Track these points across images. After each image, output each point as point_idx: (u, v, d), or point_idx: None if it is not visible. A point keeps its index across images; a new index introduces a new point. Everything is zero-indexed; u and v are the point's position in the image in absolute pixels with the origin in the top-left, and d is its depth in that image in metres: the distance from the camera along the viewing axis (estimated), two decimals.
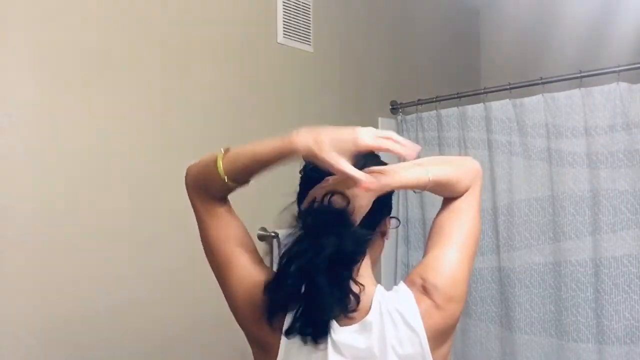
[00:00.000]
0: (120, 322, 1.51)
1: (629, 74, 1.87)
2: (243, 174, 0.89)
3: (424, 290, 0.86)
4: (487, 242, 2.20)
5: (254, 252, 0.95)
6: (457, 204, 0.95)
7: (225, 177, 0.88)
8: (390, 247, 2.49)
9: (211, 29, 1.80)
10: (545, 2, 2.88)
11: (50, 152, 1.40)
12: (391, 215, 0.98)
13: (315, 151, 0.79)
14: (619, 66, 1.86)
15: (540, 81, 2.04)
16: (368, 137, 0.80)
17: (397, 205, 2.52)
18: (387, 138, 0.81)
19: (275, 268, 1.92)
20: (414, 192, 0.92)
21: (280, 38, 2.01)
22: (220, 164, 0.89)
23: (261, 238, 1.90)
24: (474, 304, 2.23)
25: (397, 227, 1.03)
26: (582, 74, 1.95)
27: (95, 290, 1.46)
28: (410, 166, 0.90)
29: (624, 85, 1.86)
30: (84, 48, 1.47)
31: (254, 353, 0.92)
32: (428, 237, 0.96)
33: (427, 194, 2.35)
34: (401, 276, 2.50)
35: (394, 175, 0.86)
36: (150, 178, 1.58)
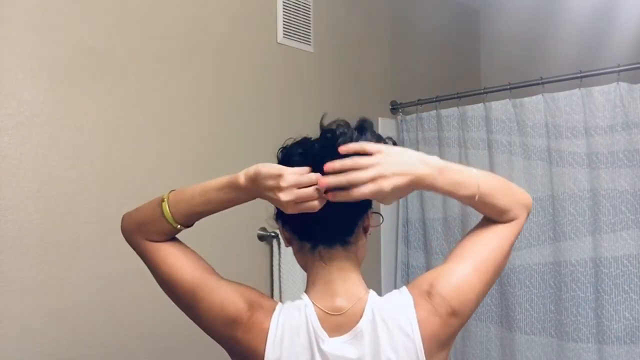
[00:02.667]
0: (120, 320, 1.51)
1: (629, 74, 1.87)
2: (195, 219, 0.90)
3: (429, 295, 0.84)
4: None
5: (210, 268, 0.92)
6: (495, 227, 0.92)
7: (178, 226, 0.89)
8: (390, 247, 2.49)
9: (211, 29, 1.80)
10: (545, 2, 2.88)
11: (51, 152, 1.40)
12: (373, 210, 0.93)
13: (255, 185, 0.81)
14: (619, 66, 1.86)
15: (540, 81, 2.04)
16: (288, 205, 0.80)
17: (397, 206, 2.52)
18: (308, 200, 0.79)
19: (276, 268, 1.91)
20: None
21: (280, 38, 2.01)
22: (170, 216, 0.88)
23: (261, 238, 1.90)
24: None
25: (380, 224, 0.99)
26: (582, 74, 1.95)
27: (95, 289, 1.46)
28: (459, 168, 0.87)
29: (624, 85, 1.86)
30: (84, 48, 1.47)
31: None
32: (456, 245, 0.93)
33: (427, 193, 2.36)
34: (401, 276, 2.50)
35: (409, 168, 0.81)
36: (150, 177, 1.58)
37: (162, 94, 1.65)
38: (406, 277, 2.48)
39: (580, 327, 1.94)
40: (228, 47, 1.84)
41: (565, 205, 1.98)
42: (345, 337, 0.82)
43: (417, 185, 0.82)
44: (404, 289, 0.87)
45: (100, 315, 1.47)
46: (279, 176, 0.79)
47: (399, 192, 0.81)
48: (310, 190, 0.79)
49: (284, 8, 2.02)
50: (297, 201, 0.79)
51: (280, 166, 0.81)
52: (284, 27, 2.02)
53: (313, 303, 0.85)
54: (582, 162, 1.95)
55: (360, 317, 0.83)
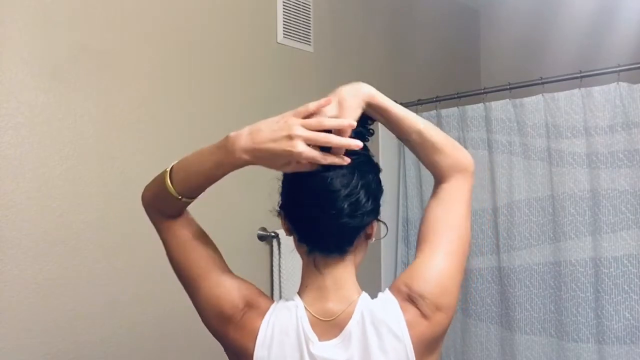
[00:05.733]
0: (120, 320, 1.51)
1: (629, 74, 1.87)
2: (194, 188, 0.88)
3: (410, 299, 0.83)
4: (487, 242, 2.20)
5: (217, 259, 0.91)
6: (446, 198, 0.90)
7: (179, 196, 0.87)
8: (390, 247, 2.49)
9: (211, 29, 1.80)
10: (545, 2, 2.88)
11: (51, 152, 1.40)
12: (379, 219, 0.92)
13: (249, 140, 0.80)
14: (619, 66, 1.86)
15: (540, 81, 2.04)
16: (302, 146, 0.77)
17: (397, 205, 2.52)
18: (324, 141, 0.79)
19: (276, 268, 1.91)
20: (398, 137, 0.92)
21: (280, 38, 2.01)
22: (169, 183, 0.87)
23: (261, 238, 1.90)
24: (474, 304, 2.23)
25: (384, 235, 0.98)
26: (582, 74, 1.95)
27: (95, 289, 1.46)
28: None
29: (624, 85, 1.86)
30: (84, 48, 1.47)
31: None
32: (419, 231, 0.92)
33: (427, 193, 2.36)
34: None
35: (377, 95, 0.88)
36: (150, 177, 1.58)
37: (161, 93, 1.65)
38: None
39: (580, 327, 1.94)
40: (228, 47, 1.84)
41: (565, 205, 1.98)
42: (335, 340, 0.82)
43: (369, 99, 0.88)
44: (387, 291, 0.86)
45: (100, 315, 1.47)
46: (283, 116, 0.81)
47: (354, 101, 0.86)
48: (325, 136, 0.79)
49: (284, 8, 2.02)
50: (308, 141, 0.78)
51: None
52: (284, 27, 2.02)
53: (305, 307, 0.85)
54: (582, 162, 1.95)
55: (349, 319, 0.82)
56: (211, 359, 1.65)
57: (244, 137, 0.80)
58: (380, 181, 0.89)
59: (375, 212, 0.87)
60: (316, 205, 0.82)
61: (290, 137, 0.78)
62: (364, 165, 0.85)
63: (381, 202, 0.90)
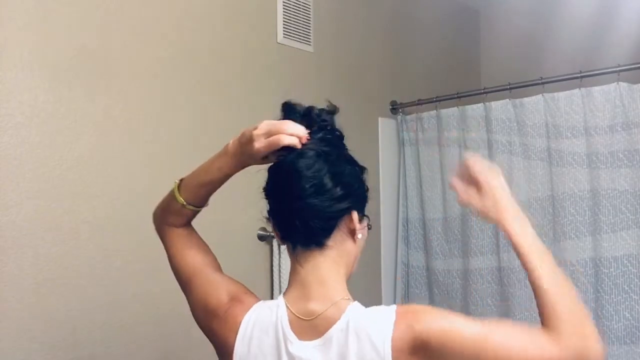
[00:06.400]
0: (120, 320, 1.51)
1: (629, 74, 1.87)
2: (202, 194, 0.97)
3: (413, 314, 0.79)
4: (487, 242, 2.19)
5: (212, 261, 0.98)
6: (535, 331, 0.79)
7: (185, 203, 0.95)
8: (390, 247, 2.49)
9: (211, 29, 1.80)
10: (545, 2, 2.88)
11: (51, 152, 1.40)
12: (363, 213, 0.90)
13: (234, 144, 0.90)
14: (619, 66, 1.86)
15: (540, 81, 2.04)
16: (258, 142, 0.85)
17: (397, 205, 2.51)
18: (276, 137, 0.85)
19: (276, 268, 1.93)
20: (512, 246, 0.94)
21: (280, 38, 2.01)
22: (177, 193, 0.96)
23: (261, 238, 1.90)
24: (474, 304, 2.23)
25: (369, 227, 0.92)
26: (582, 74, 1.95)
27: (95, 289, 1.46)
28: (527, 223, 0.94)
29: (624, 85, 1.86)
30: (84, 48, 1.47)
31: None
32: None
33: (426, 193, 2.36)
34: (401, 276, 2.49)
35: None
36: (150, 177, 1.58)
37: (161, 93, 1.65)
38: (406, 277, 2.48)
39: None
40: (228, 47, 1.84)
41: (565, 205, 1.98)
42: (315, 342, 0.82)
43: (499, 226, 0.98)
44: (393, 306, 0.83)
45: (100, 315, 1.47)
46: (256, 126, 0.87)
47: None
48: (283, 125, 0.86)
49: (284, 8, 2.02)
50: (267, 135, 0.85)
51: None
52: (284, 27, 2.02)
53: (286, 305, 0.85)
54: (582, 162, 1.95)
55: (334, 324, 0.81)
56: (211, 359, 1.65)
57: (232, 142, 0.90)
58: (358, 174, 0.91)
59: (348, 200, 0.87)
60: (284, 187, 0.86)
61: (252, 138, 0.86)
62: (335, 156, 0.87)
63: (369, 199, 0.92)
